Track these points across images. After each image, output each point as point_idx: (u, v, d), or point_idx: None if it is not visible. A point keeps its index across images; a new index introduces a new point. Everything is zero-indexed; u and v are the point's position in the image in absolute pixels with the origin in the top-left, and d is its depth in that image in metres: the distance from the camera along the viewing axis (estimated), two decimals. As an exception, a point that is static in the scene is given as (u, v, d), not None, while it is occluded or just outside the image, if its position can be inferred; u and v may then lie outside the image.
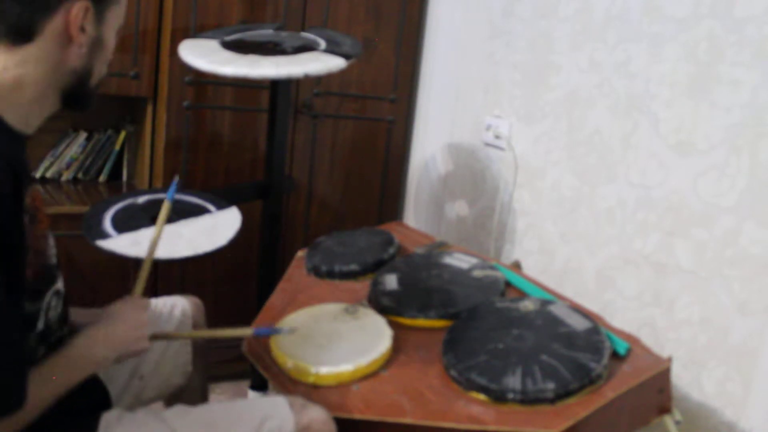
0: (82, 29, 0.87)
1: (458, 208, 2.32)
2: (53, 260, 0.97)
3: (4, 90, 0.85)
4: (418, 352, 1.26)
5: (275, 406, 1.08)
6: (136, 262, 2.02)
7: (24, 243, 0.82)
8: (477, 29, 2.19)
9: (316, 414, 1.08)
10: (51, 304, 0.95)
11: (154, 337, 1.10)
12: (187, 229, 1.46)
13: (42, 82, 0.88)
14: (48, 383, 0.88)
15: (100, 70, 0.94)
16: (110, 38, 0.93)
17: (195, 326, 1.35)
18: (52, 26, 0.85)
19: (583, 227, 1.79)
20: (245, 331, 1.20)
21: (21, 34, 0.84)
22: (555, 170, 1.89)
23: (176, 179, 1.20)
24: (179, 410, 1.07)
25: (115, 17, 0.93)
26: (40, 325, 0.92)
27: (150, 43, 2.01)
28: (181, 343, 1.31)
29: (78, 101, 0.94)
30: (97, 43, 0.91)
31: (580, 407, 1.04)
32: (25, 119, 0.88)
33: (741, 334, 1.40)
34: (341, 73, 1.80)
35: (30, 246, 0.86)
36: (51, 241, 0.96)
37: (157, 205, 1.55)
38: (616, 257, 1.69)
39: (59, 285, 0.97)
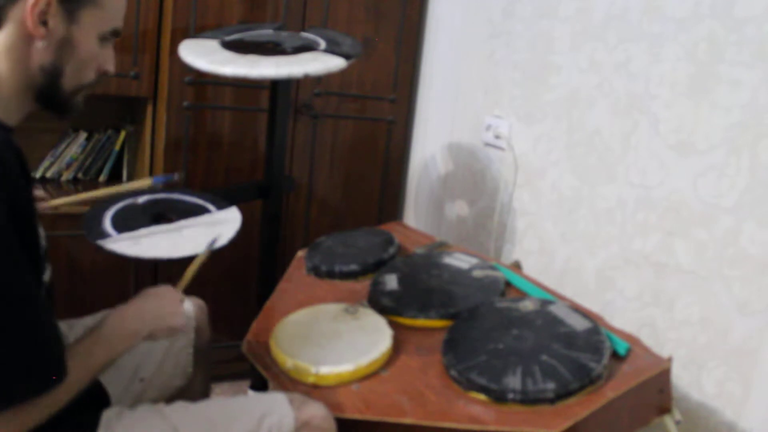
0: (44, 23, 0.85)
1: (458, 208, 2.32)
2: (42, 250, 0.97)
3: None
4: (418, 352, 1.26)
5: (275, 403, 1.09)
6: (136, 263, 2.03)
7: (36, 225, 0.84)
8: (477, 29, 2.19)
9: (316, 410, 1.08)
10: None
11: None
12: (187, 229, 1.46)
13: (15, 77, 0.87)
14: (83, 362, 0.90)
15: (74, 73, 0.91)
16: (87, 41, 0.90)
17: (198, 328, 1.35)
18: (15, 15, 0.85)
19: (583, 227, 1.79)
20: (143, 182, 1.16)
21: None
22: (555, 170, 1.89)
23: (176, 176, 1.20)
24: (179, 406, 1.07)
25: (95, 21, 0.90)
26: None
27: (150, 43, 2.00)
28: (182, 344, 1.31)
29: (52, 104, 0.92)
30: (66, 43, 0.88)
31: (580, 407, 1.04)
32: (7, 112, 0.88)
33: (741, 334, 1.40)
34: (341, 73, 1.80)
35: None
36: (42, 232, 0.96)
37: (157, 205, 1.55)
38: (616, 257, 1.69)
39: (47, 276, 0.97)
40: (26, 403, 0.81)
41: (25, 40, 0.86)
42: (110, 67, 0.97)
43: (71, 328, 1.20)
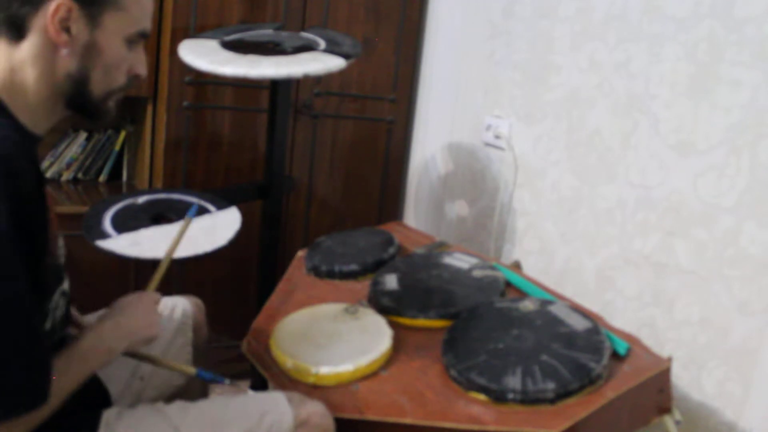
0: (67, 30, 0.85)
1: (458, 208, 2.32)
2: (62, 260, 0.97)
3: (13, 91, 0.85)
4: (418, 352, 1.26)
5: (274, 401, 1.09)
6: (136, 263, 2.03)
7: (47, 241, 0.83)
8: (477, 29, 2.19)
9: (315, 408, 1.08)
10: (58, 303, 0.95)
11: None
12: (187, 229, 1.46)
13: (42, 86, 0.87)
14: (62, 377, 0.88)
15: (101, 79, 0.90)
16: (112, 45, 0.89)
17: (196, 326, 1.35)
18: (39, 24, 0.84)
19: (583, 227, 1.79)
20: (189, 370, 1.14)
21: (14, 29, 0.84)
22: (555, 170, 1.89)
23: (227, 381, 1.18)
24: (180, 405, 1.07)
25: (120, 24, 0.89)
26: (48, 324, 0.93)
27: (150, 43, 2.00)
28: (181, 344, 1.31)
29: (84, 110, 0.92)
30: (90, 49, 0.87)
31: (580, 407, 1.04)
32: (34, 121, 0.88)
33: (741, 334, 1.40)
34: (341, 73, 1.80)
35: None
36: (61, 242, 0.96)
37: (157, 205, 1.55)
38: (616, 257, 1.69)
39: (65, 285, 0.98)
40: (3, 423, 0.79)
41: (50, 48, 0.85)
42: (141, 70, 0.95)
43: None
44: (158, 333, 1.05)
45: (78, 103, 0.91)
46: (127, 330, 1.00)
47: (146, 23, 0.93)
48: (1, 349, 0.76)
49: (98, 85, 0.90)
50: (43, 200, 0.83)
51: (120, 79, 0.93)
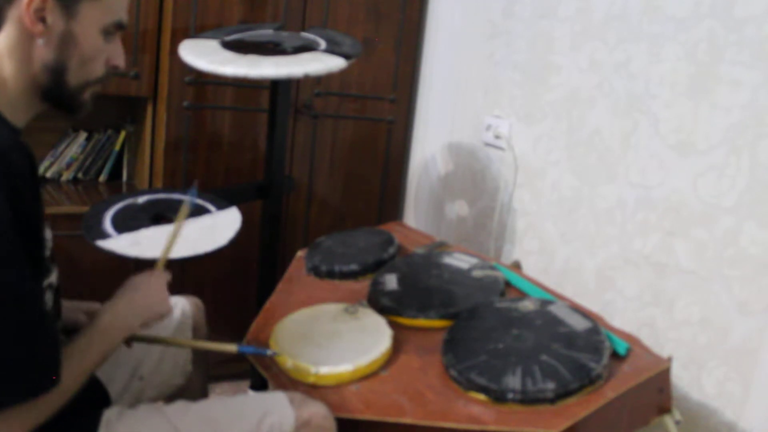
0: (43, 20, 0.85)
1: (458, 208, 2.32)
2: (48, 252, 0.97)
3: None
4: (418, 352, 1.26)
5: (275, 402, 1.09)
6: (136, 263, 2.02)
7: (42, 227, 0.85)
8: (477, 29, 2.19)
9: (316, 409, 1.08)
10: (46, 296, 0.95)
11: (132, 339, 1.11)
12: (187, 229, 1.46)
13: (20, 78, 0.87)
14: (80, 360, 0.90)
15: (78, 69, 0.90)
16: (89, 36, 0.89)
17: (195, 326, 1.35)
18: (14, 14, 0.85)
19: (583, 227, 1.79)
20: (230, 347, 1.15)
21: None
22: (555, 170, 1.89)
23: (195, 185, 1.20)
24: (180, 406, 1.07)
25: (96, 14, 0.89)
26: None
27: (150, 43, 2.01)
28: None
29: (60, 101, 0.92)
30: (67, 39, 0.88)
31: (580, 407, 1.04)
32: (13, 114, 0.88)
33: (741, 334, 1.40)
34: (341, 73, 1.80)
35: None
36: (48, 234, 0.96)
37: (157, 205, 1.55)
38: (616, 257, 1.69)
39: (53, 278, 0.97)
40: (22, 406, 0.80)
41: (26, 38, 0.86)
42: (119, 61, 0.96)
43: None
44: (170, 309, 1.07)
45: (54, 95, 0.91)
46: (142, 306, 1.03)
47: (123, 14, 0.94)
48: (10, 332, 0.77)
49: (75, 76, 0.90)
50: (38, 192, 0.84)
51: (98, 70, 0.93)
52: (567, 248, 1.84)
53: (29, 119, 0.92)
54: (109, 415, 1.01)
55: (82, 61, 0.90)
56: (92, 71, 0.93)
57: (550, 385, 1.05)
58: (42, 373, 0.81)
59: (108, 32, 0.92)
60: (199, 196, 1.61)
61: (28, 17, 0.84)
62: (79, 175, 2.22)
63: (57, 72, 0.89)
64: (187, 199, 1.21)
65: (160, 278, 1.09)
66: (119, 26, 0.94)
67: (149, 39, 2.00)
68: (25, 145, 0.83)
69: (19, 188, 0.78)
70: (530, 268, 1.94)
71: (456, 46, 2.29)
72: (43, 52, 0.87)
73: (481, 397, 1.09)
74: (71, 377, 0.87)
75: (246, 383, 1.93)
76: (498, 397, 1.07)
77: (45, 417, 0.85)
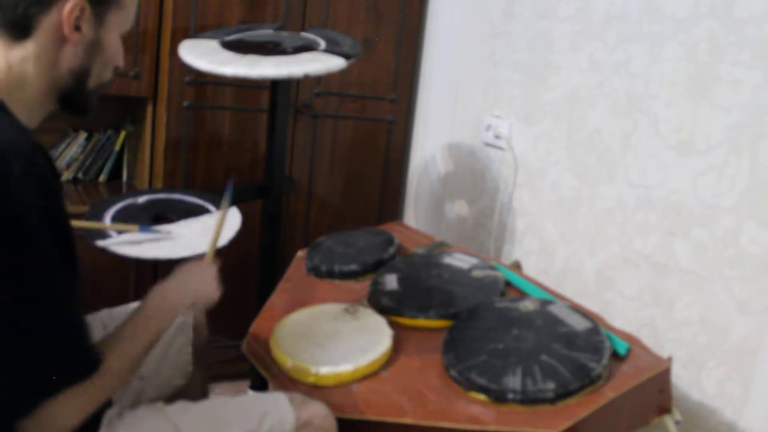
0: (78, 28, 0.87)
1: (458, 208, 2.32)
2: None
3: (11, 87, 0.87)
4: (418, 352, 1.26)
5: (276, 402, 1.09)
6: (136, 263, 2.03)
7: (69, 225, 0.87)
8: (477, 29, 2.19)
9: (317, 409, 1.08)
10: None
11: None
12: (187, 229, 1.46)
13: (42, 81, 0.89)
14: (130, 343, 0.92)
15: (99, 73, 0.94)
16: (112, 42, 0.93)
17: (196, 326, 1.35)
18: (48, 23, 0.86)
19: (583, 227, 1.79)
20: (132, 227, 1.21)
21: (18, 29, 0.86)
22: (555, 170, 1.89)
23: (230, 184, 1.25)
24: (181, 406, 1.08)
25: (119, 22, 0.93)
26: None
27: (150, 43, 2.00)
28: (182, 343, 1.31)
29: (75, 103, 0.94)
30: (95, 45, 0.91)
31: (580, 407, 1.04)
32: (28, 117, 0.89)
33: (741, 334, 1.40)
34: (341, 73, 1.80)
35: None
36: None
37: (157, 205, 1.55)
38: (616, 257, 1.69)
39: None
40: (71, 391, 0.83)
41: (57, 46, 0.88)
42: (121, 62, 0.99)
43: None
44: (219, 294, 1.09)
45: (73, 98, 0.93)
46: (192, 290, 1.05)
47: (134, 20, 0.99)
48: (47, 323, 0.80)
49: (95, 79, 0.94)
50: (62, 193, 0.87)
51: (109, 73, 0.97)
52: (567, 248, 1.84)
53: (41, 120, 0.94)
54: (109, 415, 1.01)
55: (103, 66, 0.94)
56: (107, 74, 0.96)
57: (550, 385, 1.05)
58: (83, 360, 0.84)
59: (122, 37, 0.96)
60: (199, 196, 1.61)
61: (68, 26, 0.86)
62: (79, 175, 2.22)
63: (81, 76, 0.92)
64: (228, 191, 1.28)
65: (211, 266, 1.12)
66: (128, 31, 0.98)
67: (149, 39, 2.00)
68: (42, 146, 0.85)
69: (48, 190, 0.81)
70: (530, 268, 1.94)
71: (456, 46, 2.29)
72: (71, 58, 0.89)
73: (481, 397, 1.09)
74: (121, 360, 0.90)
75: (246, 383, 1.93)
76: (498, 397, 1.07)
77: (99, 401, 0.88)
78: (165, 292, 1.02)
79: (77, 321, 0.84)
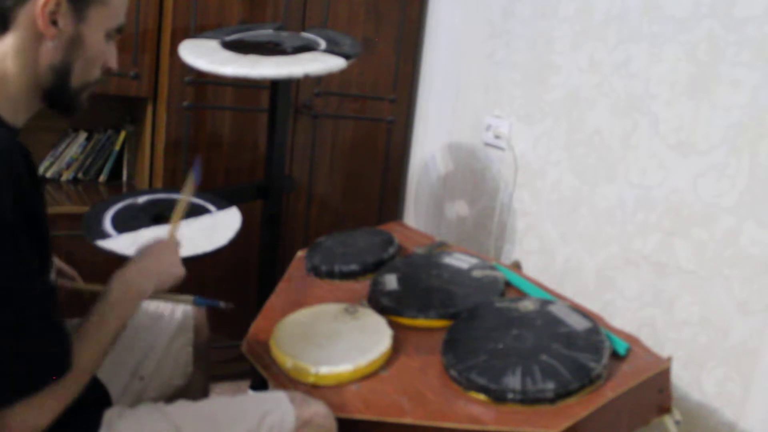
0: (54, 23, 0.86)
1: (458, 208, 2.32)
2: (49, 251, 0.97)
3: None
4: (418, 352, 1.26)
5: (276, 401, 1.09)
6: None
7: (46, 225, 0.86)
8: (477, 29, 2.19)
9: (317, 408, 1.08)
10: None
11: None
12: (187, 229, 1.46)
13: (24, 77, 0.88)
14: (96, 336, 0.91)
15: (82, 71, 0.92)
16: (95, 39, 0.91)
17: (196, 326, 1.35)
18: (24, 16, 0.85)
19: (583, 227, 1.79)
20: (186, 299, 1.18)
21: None
22: (555, 170, 1.89)
23: (198, 159, 1.23)
24: (181, 405, 1.08)
25: (102, 18, 0.91)
26: None
27: (150, 43, 2.01)
28: (182, 343, 1.31)
29: (60, 102, 0.93)
30: (75, 42, 0.89)
31: (580, 407, 1.04)
32: (13, 114, 0.88)
33: (741, 334, 1.40)
34: (341, 73, 1.80)
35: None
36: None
37: (157, 205, 1.55)
38: (616, 257, 1.69)
39: (52, 275, 0.97)
40: (44, 392, 0.82)
41: (35, 40, 0.87)
42: (114, 63, 0.97)
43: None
44: (183, 272, 1.06)
45: (56, 96, 0.92)
46: (154, 271, 1.02)
47: (123, 18, 0.96)
48: (19, 324, 0.79)
49: (78, 78, 0.92)
50: (40, 191, 0.85)
51: (96, 72, 0.95)
52: (567, 248, 1.85)
53: (28, 119, 0.93)
54: (110, 415, 1.01)
55: (86, 64, 0.92)
56: (93, 73, 0.94)
57: (550, 385, 1.05)
58: (54, 360, 0.83)
59: (109, 36, 0.94)
60: (199, 196, 1.61)
61: (42, 20, 0.85)
62: (79, 175, 2.22)
63: (62, 73, 0.90)
64: (195, 169, 1.24)
65: (171, 243, 1.09)
66: (119, 30, 0.96)
67: (149, 39, 2.00)
68: (22, 144, 0.84)
69: (22, 189, 0.79)
70: (530, 268, 1.94)
71: (456, 46, 2.29)
72: (50, 54, 0.88)
73: (481, 397, 1.09)
74: (89, 354, 0.89)
75: (246, 383, 1.93)
76: (498, 397, 1.07)
77: (71, 397, 0.87)
78: (127, 277, 0.99)
79: (50, 321, 0.83)
